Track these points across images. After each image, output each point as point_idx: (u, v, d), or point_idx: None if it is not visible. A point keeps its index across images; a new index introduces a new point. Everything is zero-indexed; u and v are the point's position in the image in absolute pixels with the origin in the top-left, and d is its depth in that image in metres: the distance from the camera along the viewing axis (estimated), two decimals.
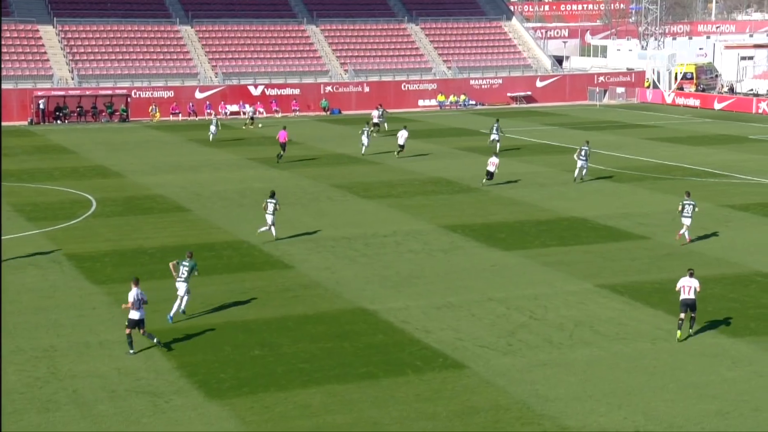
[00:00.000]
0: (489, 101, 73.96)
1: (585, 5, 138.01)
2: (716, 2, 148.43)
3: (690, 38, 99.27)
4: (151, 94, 67.77)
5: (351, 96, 72.48)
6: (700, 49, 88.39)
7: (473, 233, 30.23)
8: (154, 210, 34.33)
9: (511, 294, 23.64)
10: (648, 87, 77.41)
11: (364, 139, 47.65)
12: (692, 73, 76.70)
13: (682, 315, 20.14)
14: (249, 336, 20.66)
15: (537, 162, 45.43)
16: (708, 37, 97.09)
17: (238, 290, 24.07)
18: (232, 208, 34.85)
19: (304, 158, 47.52)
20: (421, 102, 74.07)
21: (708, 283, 24.05)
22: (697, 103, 71.40)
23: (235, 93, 69.66)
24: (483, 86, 76.03)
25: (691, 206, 28.52)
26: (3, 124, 60.40)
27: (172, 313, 21.54)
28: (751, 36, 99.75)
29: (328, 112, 70.17)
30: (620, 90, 76.82)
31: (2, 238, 29.02)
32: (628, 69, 79.62)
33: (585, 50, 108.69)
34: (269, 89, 70.44)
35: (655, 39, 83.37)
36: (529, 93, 76.48)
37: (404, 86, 74.28)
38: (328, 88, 71.90)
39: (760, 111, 65.92)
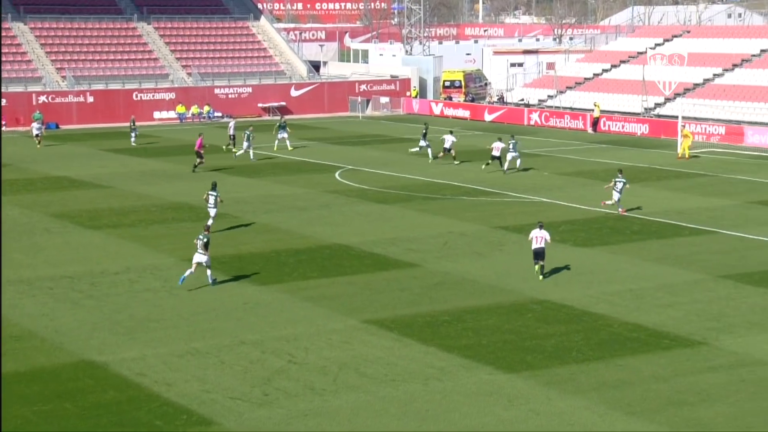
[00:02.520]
0: (237, 113, 74.07)
1: (343, 4, 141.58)
2: (483, 3, 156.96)
3: (457, 42, 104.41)
4: None
5: (71, 107, 70.24)
6: (468, 54, 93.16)
7: (221, 266, 30.07)
8: None
9: (266, 335, 23.70)
10: (415, 96, 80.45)
11: (245, 144, 51.97)
12: (461, 81, 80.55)
13: (538, 261, 28.36)
14: None
15: (294, 182, 45.97)
16: (476, 41, 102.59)
17: None
18: None
19: (14, 183, 45.42)
20: (157, 114, 73.00)
21: (482, 314, 25.29)
22: (467, 114, 75.03)
23: None
24: (230, 95, 76.06)
25: (622, 183, 36.93)
26: None
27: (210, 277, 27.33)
28: (520, 41, 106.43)
29: (44, 127, 67.49)
30: (384, 100, 79.28)
31: None
32: (392, 76, 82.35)
33: (344, 55, 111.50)
34: None
35: (420, 43, 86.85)
36: (283, 103, 77.32)
37: (136, 95, 72.93)
38: (42, 98, 69.24)
39: (532, 122, 70.26)
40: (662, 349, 22.61)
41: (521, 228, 35.10)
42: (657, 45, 76.48)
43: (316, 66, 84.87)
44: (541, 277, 28.43)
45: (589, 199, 41.22)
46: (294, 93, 78.24)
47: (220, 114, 74.51)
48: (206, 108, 74.19)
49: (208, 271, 27.84)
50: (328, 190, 43.98)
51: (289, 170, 49.86)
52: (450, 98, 79.71)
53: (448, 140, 51.48)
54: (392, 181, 46.34)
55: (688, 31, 77.67)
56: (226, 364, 21.79)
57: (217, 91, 75.75)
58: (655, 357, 22.04)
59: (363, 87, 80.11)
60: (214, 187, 34.93)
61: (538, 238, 28.39)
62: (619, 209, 37.78)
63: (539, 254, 28.42)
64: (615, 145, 59.29)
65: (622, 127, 65.19)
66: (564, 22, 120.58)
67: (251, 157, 52.30)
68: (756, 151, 54.95)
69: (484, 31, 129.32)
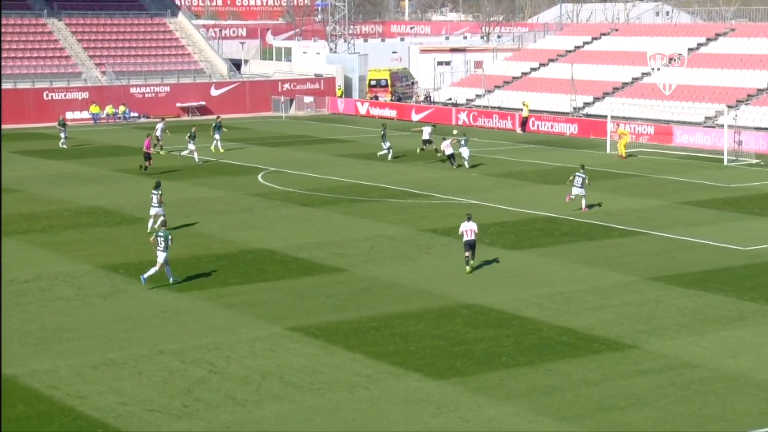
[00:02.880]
0: (155, 113, 73.34)
1: (264, 0, 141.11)
2: (409, 0, 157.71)
3: (383, 40, 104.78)
4: None
5: None
6: (394, 52, 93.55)
7: (139, 273, 29.72)
8: None
9: (186, 344, 23.51)
10: (340, 96, 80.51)
11: (191, 146, 51.83)
12: (387, 80, 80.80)
13: (466, 253, 29.88)
14: None
15: (215, 185, 45.68)
16: (402, 39, 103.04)
17: None
18: None
19: None
20: (69, 114, 71.86)
21: (410, 320, 25.41)
22: (393, 114, 75.29)
23: None
24: (147, 95, 75.28)
25: (581, 178, 38.08)
26: None
27: (146, 275, 28.17)
28: (447, 39, 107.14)
29: None
30: (308, 99, 79.19)
31: None
32: (316, 75, 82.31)
33: (267, 53, 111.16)
34: None
35: (345, 40, 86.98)
36: (203, 103, 76.77)
37: (47, 95, 71.82)
38: None
39: (460, 122, 70.75)
40: (592, 352, 22.94)
41: (450, 230, 35.27)
42: (585, 43, 77.63)
43: (237, 64, 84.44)
44: (468, 268, 29.86)
45: (519, 200, 41.65)
46: (214, 92, 77.70)
47: (136, 114, 73.69)
48: (122, 108, 73.32)
49: (167, 269, 28.37)
50: (250, 192, 43.77)
51: (209, 172, 49.51)
52: (376, 97, 79.91)
53: (426, 132, 52.95)
54: (317, 183, 46.30)
55: (617, 29, 78.92)
56: (144, 374, 21.56)
57: (133, 90, 74.88)
58: (585, 361, 22.35)
59: (286, 86, 79.92)
60: (157, 186, 35.47)
61: (468, 231, 29.85)
62: (582, 205, 38.94)
63: (470, 246, 29.85)
64: (544, 145, 59.97)
65: (551, 127, 65.98)
66: (492, 19, 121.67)
67: (195, 158, 52.15)
68: (684, 151, 56.01)
69: (411, 28, 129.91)
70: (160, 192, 35.24)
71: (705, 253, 32.31)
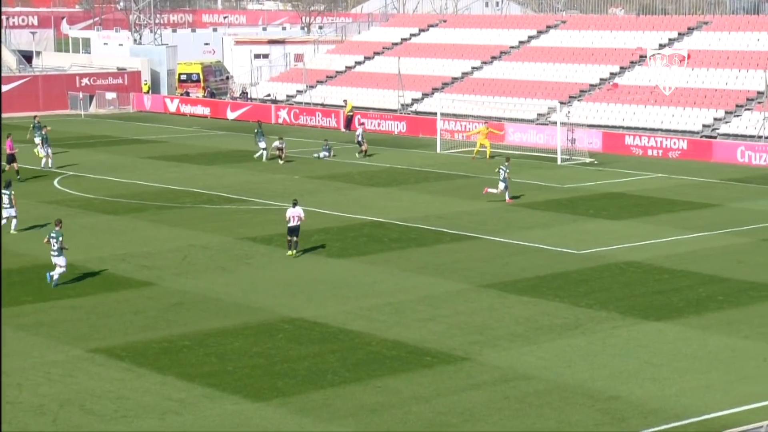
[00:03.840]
0: None
1: None
2: None
3: (193, 30, 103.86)
4: None
5: None
6: (206, 44, 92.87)
7: None
8: None
9: None
10: (146, 92, 79.36)
11: (48, 151, 50.92)
12: (198, 75, 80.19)
13: (289, 238, 32.88)
14: None
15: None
16: (215, 30, 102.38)
17: None
18: None
19: None
20: None
21: (226, 337, 25.27)
22: (206, 111, 74.73)
23: None
24: None
25: (503, 170, 41.50)
26: None
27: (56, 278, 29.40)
28: (264, 29, 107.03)
29: None
30: (111, 95, 77.79)
31: None
32: (119, 69, 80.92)
33: (62, 44, 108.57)
34: None
35: (151, 30, 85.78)
36: None
37: None
38: None
39: (280, 120, 70.81)
40: (423, 366, 23.31)
41: (270, 238, 35.28)
42: (412, 35, 78.91)
43: (27, 57, 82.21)
44: (290, 252, 32.76)
45: (344, 204, 41.94)
46: (2, 88, 75.22)
47: None
48: None
49: (58, 271, 29.47)
50: (44, 200, 42.75)
51: None
52: (187, 93, 79.17)
53: (359, 133, 55.85)
54: (122, 188, 45.59)
55: (445, 21, 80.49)
56: None
57: None
58: (416, 376, 22.70)
59: (85, 81, 78.34)
60: (8, 186, 36.14)
61: (294, 217, 32.66)
62: (506, 198, 41.91)
63: (293, 231, 32.71)
64: (371, 144, 60.42)
65: (378, 125, 66.73)
66: (312, 9, 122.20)
67: (49, 163, 50.72)
68: (517, 150, 57.50)
69: (224, 18, 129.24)
70: (11, 192, 35.91)
71: (539, 258, 33.30)
